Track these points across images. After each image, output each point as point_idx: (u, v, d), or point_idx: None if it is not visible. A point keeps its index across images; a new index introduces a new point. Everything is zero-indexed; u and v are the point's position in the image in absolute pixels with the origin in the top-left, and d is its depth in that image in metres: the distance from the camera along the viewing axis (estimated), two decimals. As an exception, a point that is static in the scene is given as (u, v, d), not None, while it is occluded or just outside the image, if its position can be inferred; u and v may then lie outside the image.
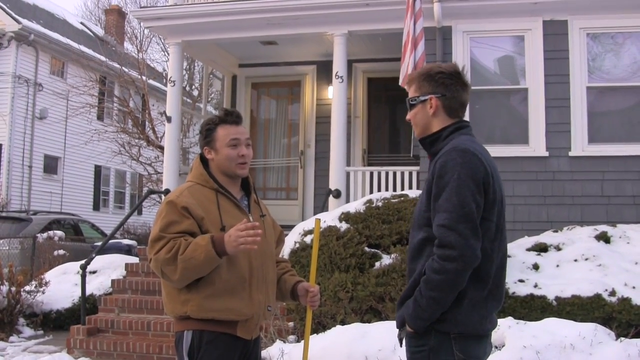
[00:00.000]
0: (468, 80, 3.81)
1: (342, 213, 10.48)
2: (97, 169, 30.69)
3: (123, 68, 25.01)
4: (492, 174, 3.50)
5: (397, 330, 3.69)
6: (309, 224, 10.68)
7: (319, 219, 4.60)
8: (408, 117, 3.85)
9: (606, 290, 8.84)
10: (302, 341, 4.40)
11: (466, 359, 3.47)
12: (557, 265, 9.72)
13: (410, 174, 12.87)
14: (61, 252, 16.30)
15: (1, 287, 12.00)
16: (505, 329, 7.64)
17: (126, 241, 18.43)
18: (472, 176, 3.41)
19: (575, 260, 9.72)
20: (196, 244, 3.82)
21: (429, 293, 3.39)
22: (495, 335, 7.49)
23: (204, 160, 4.26)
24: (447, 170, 3.45)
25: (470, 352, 3.49)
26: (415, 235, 3.66)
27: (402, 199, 10.55)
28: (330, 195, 12.92)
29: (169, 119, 14.38)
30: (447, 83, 3.70)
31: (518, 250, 10.09)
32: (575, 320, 8.22)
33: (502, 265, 3.60)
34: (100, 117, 28.62)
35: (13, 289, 12.13)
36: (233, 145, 4.15)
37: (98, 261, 13.05)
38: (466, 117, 11.28)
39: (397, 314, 3.68)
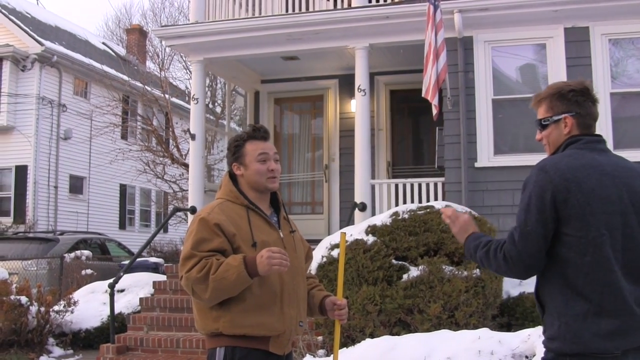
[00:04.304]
0: (596, 95, 3.81)
1: (369, 226, 10.46)
2: (123, 188, 30.82)
3: (146, 87, 25.09)
4: (570, 189, 3.43)
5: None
6: (336, 237, 10.65)
7: (344, 233, 4.60)
8: (539, 137, 3.87)
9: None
10: (332, 355, 4.40)
11: None
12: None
13: (436, 185, 12.84)
14: (89, 271, 16.37)
15: (30, 307, 12.07)
16: (536, 338, 7.58)
17: (153, 259, 18.44)
18: (541, 195, 3.47)
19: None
20: (228, 264, 3.82)
21: (484, 256, 3.68)
22: (525, 346, 7.46)
23: (233, 177, 4.27)
24: (525, 187, 3.58)
25: None
26: None
27: (428, 210, 10.52)
28: (356, 209, 12.91)
29: (192, 137, 14.44)
30: (580, 101, 3.72)
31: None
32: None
33: (608, 281, 3.41)
34: (124, 136, 28.77)
35: (42, 309, 12.20)
36: (262, 160, 4.16)
37: (126, 280, 13.10)
38: (489, 127, 11.15)
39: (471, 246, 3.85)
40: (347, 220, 12.92)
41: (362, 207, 12.88)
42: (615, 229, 3.44)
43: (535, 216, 3.46)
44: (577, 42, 12.42)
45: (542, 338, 3.62)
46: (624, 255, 3.44)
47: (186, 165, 20.81)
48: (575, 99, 3.70)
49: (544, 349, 3.60)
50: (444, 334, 8.10)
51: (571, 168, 3.50)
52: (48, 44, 26.81)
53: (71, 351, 12.52)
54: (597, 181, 3.48)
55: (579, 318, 3.40)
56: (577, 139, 3.68)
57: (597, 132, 3.55)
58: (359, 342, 8.46)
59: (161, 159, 25.19)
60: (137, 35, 35.46)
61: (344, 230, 10.02)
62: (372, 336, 8.69)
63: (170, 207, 27.00)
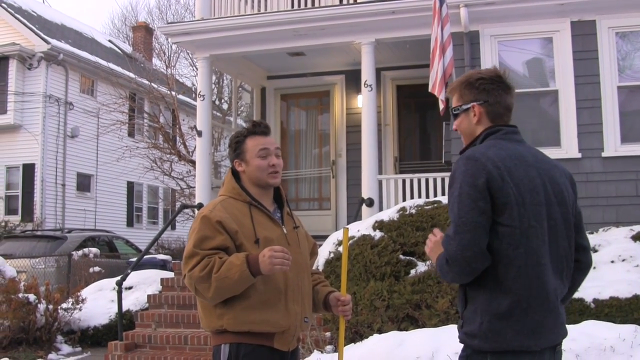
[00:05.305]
0: (510, 82, 3.71)
1: (376, 221, 10.45)
2: (130, 185, 30.87)
3: (152, 84, 25.10)
4: (504, 177, 3.35)
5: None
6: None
7: (347, 229, 4.59)
8: (454, 126, 3.79)
9: (645, 291, 8.75)
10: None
11: None
12: (594, 267, 9.60)
13: (443, 180, 12.80)
14: (96, 269, 16.41)
15: (39, 305, 12.09)
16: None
17: (161, 256, 18.48)
18: (473, 183, 3.34)
19: (612, 262, 9.62)
20: (231, 263, 3.81)
21: (440, 271, 3.48)
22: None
23: (235, 174, 4.26)
24: (453, 180, 3.45)
25: None
26: None
27: (436, 205, 10.50)
28: (363, 204, 12.90)
29: (199, 133, 14.43)
30: (489, 89, 3.63)
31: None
32: (614, 322, 8.14)
33: (537, 275, 3.36)
34: (131, 134, 28.76)
35: (50, 306, 12.22)
36: (263, 156, 4.15)
37: (133, 277, 13.09)
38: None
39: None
40: (354, 215, 12.93)
41: (370, 202, 12.87)
42: (542, 220, 3.41)
43: (468, 205, 3.32)
44: (584, 36, 12.36)
45: (459, 332, 3.52)
46: (550, 248, 3.41)
47: (193, 162, 20.81)
48: (484, 87, 3.63)
49: (461, 344, 3.50)
50: (452, 329, 8.06)
51: (500, 157, 3.42)
52: (54, 42, 26.86)
53: (79, 349, 12.53)
54: (524, 172, 3.44)
55: (504, 316, 3.33)
56: (497, 130, 3.61)
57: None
58: (367, 337, 8.46)
59: (168, 156, 25.21)
60: (143, 33, 35.47)
61: (350, 225, 10.04)
62: (380, 332, 8.68)
63: (178, 204, 26.96)
